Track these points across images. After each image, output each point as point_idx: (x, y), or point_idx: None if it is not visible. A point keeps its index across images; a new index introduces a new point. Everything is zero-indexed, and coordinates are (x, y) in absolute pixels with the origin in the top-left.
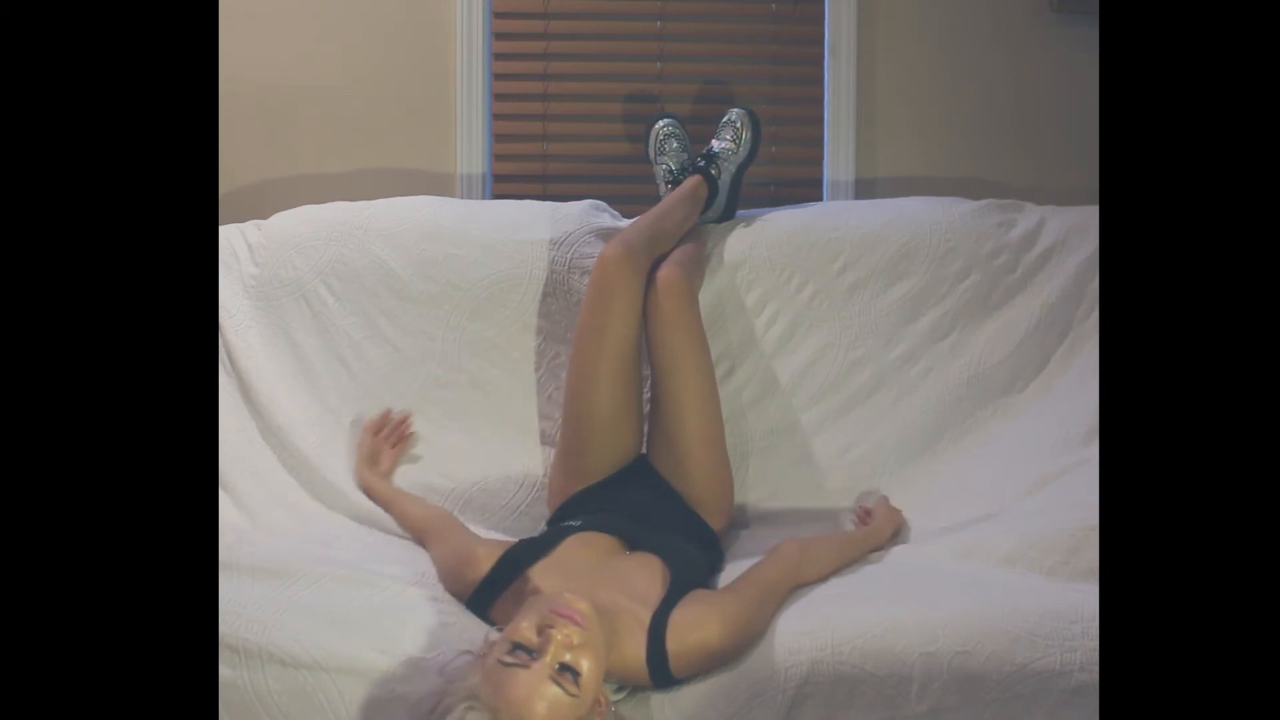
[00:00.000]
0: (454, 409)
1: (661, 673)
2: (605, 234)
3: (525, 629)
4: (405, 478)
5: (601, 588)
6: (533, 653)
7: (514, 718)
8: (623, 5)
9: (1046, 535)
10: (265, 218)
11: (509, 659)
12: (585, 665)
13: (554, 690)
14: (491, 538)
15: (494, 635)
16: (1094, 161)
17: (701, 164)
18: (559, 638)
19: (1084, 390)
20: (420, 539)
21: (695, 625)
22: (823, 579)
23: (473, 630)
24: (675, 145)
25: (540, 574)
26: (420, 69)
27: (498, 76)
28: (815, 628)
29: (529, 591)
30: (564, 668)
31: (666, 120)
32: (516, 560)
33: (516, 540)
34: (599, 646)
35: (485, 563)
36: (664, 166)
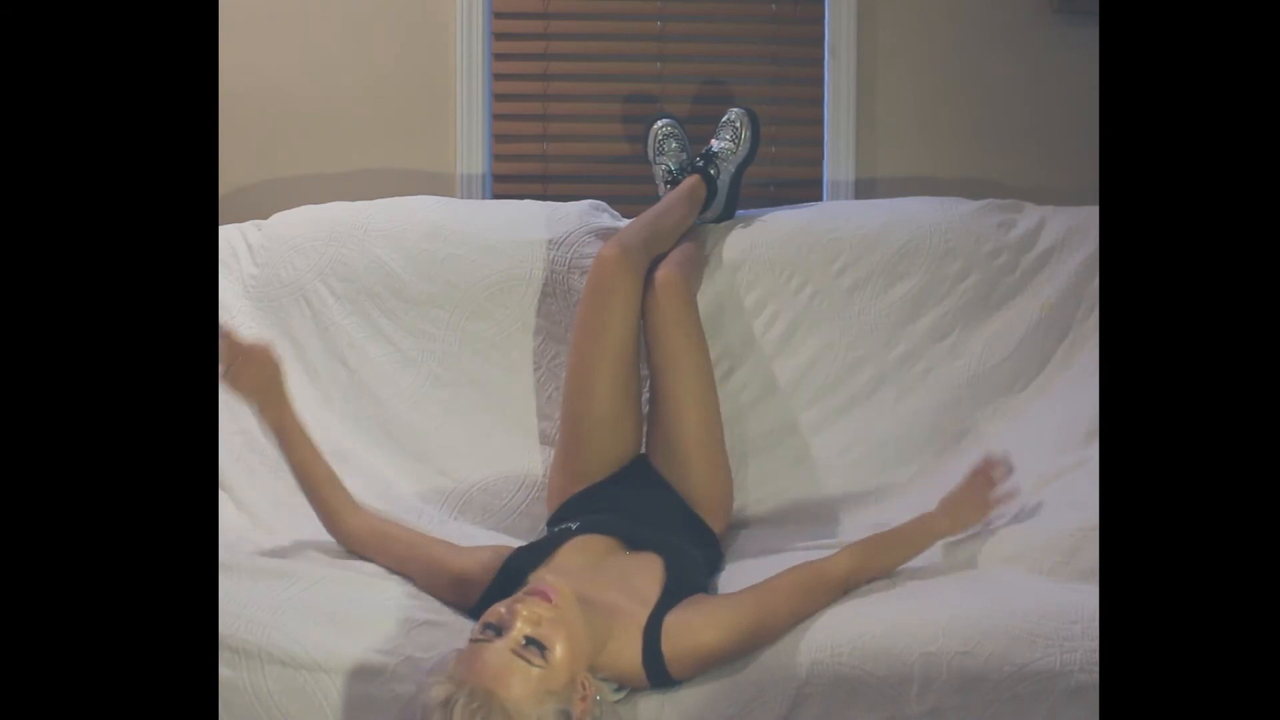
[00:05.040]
0: (454, 409)
1: (658, 674)
2: (605, 234)
3: (498, 609)
4: (406, 476)
5: (600, 588)
6: (501, 630)
7: (483, 690)
8: (623, 5)
9: (1046, 535)
10: (265, 218)
11: (478, 636)
12: (555, 641)
13: (520, 664)
14: (476, 543)
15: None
16: (1094, 161)
17: (700, 164)
18: (524, 613)
19: (1084, 390)
20: (374, 553)
21: (690, 630)
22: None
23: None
24: (674, 145)
25: (540, 578)
26: (420, 69)
27: (498, 76)
28: (815, 628)
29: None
30: (530, 642)
31: (665, 120)
32: (518, 569)
33: (511, 548)
34: (574, 625)
35: (485, 577)
36: (663, 167)
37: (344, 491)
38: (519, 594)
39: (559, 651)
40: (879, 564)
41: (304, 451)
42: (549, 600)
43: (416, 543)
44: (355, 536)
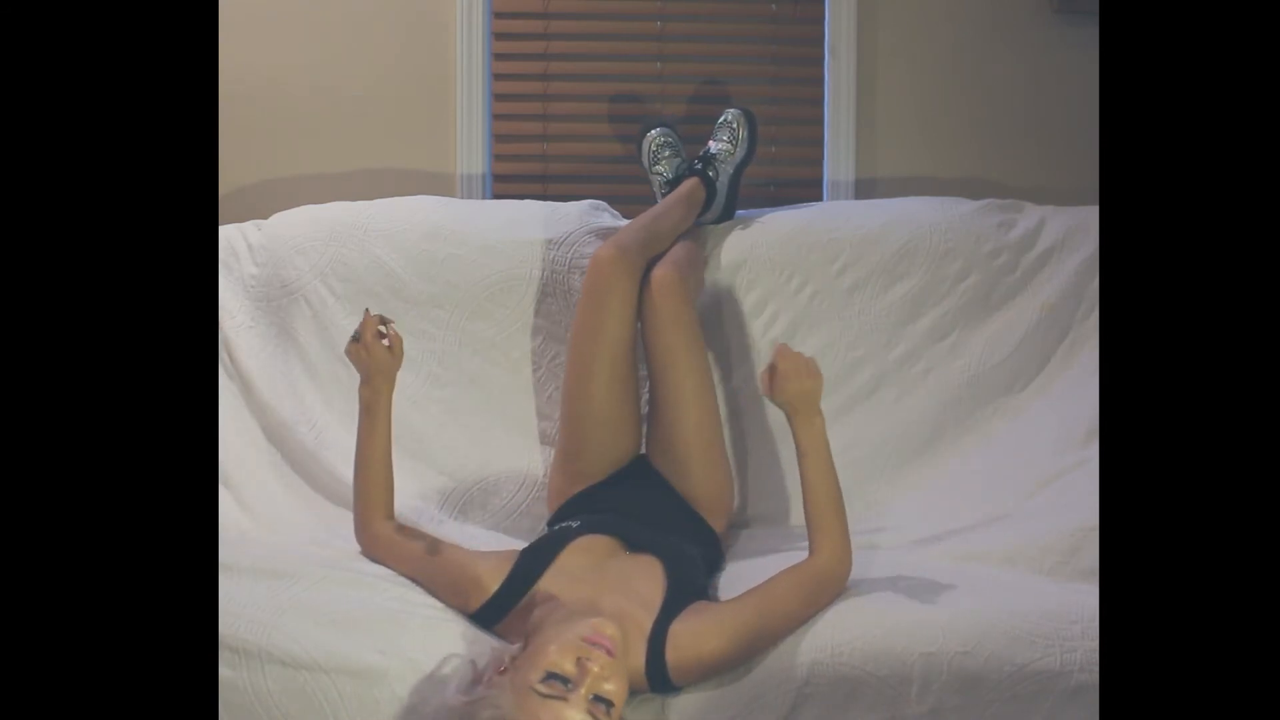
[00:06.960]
0: (454, 408)
1: (661, 681)
2: (604, 234)
3: (560, 658)
4: (406, 476)
5: (605, 593)
6: (568, 683)
7: None
8: (623, 5)
9: (1046, 535)
10: (265, 218)
11: (544, 689)
12: (617, 695)
13: None
14: (483, 548)
15: (512, 651)
16: (1094, 161)
17: (698, 166)
18: (595, 670)
19: (1084, 390)
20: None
21: (695, 638)
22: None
23: (473, 630)
24: (669, 153)
25: (546, 583)
26: (420, 69)
27: (498, 76)
28: (815, 628)
29: (538, 602)
30: (598, 698)
31: (657, 130)
32: (524, 575)
33: (516, 551)
34: (625, 670)
35: (492, 581)
36: (659, 177)
37: (390, 497)
38: (577, 639)
39: (617, 703)
40: (829, 495)
41: (382, 443)
42: (612, 655)
43: (428, 543)
44: (378, 541)
